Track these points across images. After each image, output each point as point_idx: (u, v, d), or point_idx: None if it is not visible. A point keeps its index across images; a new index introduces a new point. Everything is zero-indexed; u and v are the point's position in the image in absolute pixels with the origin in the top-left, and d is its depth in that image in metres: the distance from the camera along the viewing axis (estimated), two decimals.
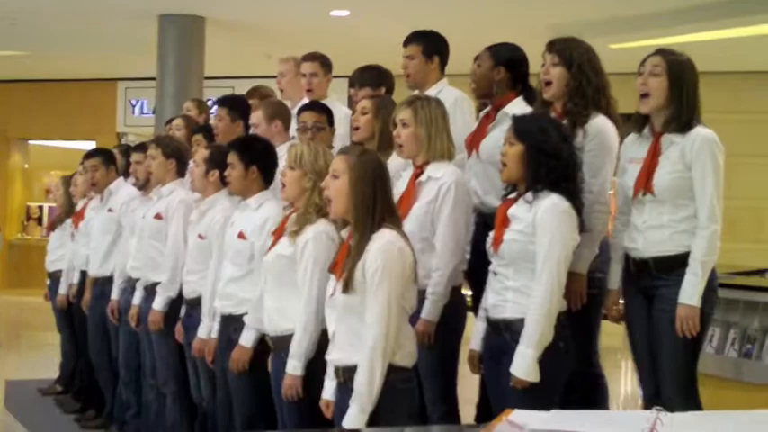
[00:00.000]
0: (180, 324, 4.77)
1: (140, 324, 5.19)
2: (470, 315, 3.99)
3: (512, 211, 3.36)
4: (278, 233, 3.79)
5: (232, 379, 4.10)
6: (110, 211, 5.97)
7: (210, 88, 10.83)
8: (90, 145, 14.26)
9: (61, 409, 6.65)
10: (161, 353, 4.97)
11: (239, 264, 4.13)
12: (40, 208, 15.29)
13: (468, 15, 9.06)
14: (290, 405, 3.58)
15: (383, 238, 3.11)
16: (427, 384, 3.72)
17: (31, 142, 15.66)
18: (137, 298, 5.25)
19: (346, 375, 3.16)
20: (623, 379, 8.03)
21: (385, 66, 5.06)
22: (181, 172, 5.17)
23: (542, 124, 3.42)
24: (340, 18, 9.76)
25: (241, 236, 4.11)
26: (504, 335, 3.34)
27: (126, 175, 6.13)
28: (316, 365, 3.46)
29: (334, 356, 3.25)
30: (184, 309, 4.75)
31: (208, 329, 4.41)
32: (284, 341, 3.64)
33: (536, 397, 3.13)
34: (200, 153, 4.72)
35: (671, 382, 3.52)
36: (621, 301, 3.79)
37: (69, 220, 6.90)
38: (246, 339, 3.99)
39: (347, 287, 3.12)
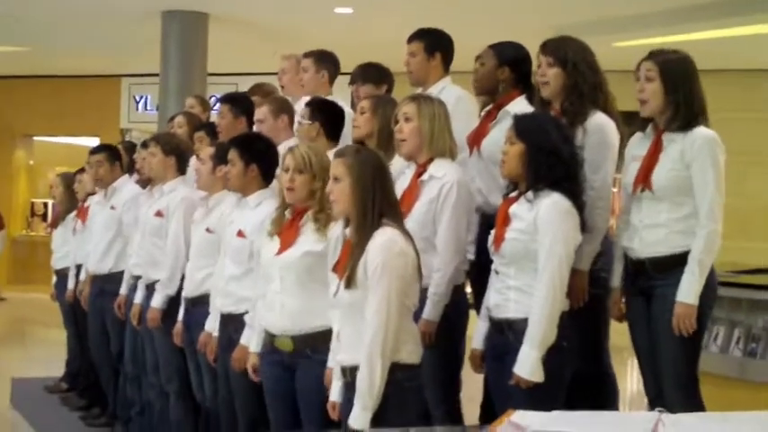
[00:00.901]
0: (180, 324, 4.75)
1: (141, 322, 5.19)
2: (472, 314, 3.98)
3: (513, 209, 3.35)
4: (290, 233, 3.69)
5: (234, 379, 4.09)
6: (112, 208, 5.95)
7: (214, 85, 10.84)
8: (94, 141, 14.30)
9: (67, 406, 6.66)
10: (164, 351, 4.97)
11: (239, 262, 4.12)
12: (45, 204, 15.31)
13: (472, 14, 9.05)
14: (317, 402, 3.52)
15: (384, 236, 3.09)
16: (429, 384, 3.71)
17: (35, 138, 15.69)
18: (138, 296, 5.25)
19: (354, 375, 3.14)
20: (629, 378, 8.01)
21: (388, 63, 5.05)
22: (181, 169, 5.16)
23: (543, 123, 3.42)
24: (344, 15, 9.76)
25: (240, 234, 4.11)
26: (506, 334, 3.33)
27: (131, 172, 6.13)
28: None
29: (341, 357, 3.24)
30: (183, 307, 4.73)
31: (215, 324, 4.39)
32: (312, 339, 3.59)
33: (540, 397, 3.13)
34: (206, 150, 4.71)
35: (672, 382, 3.52)
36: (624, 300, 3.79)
37: (71, 216, 6.91)
38: (247, 339, 3.98)
39: (350, 284, 3.11)
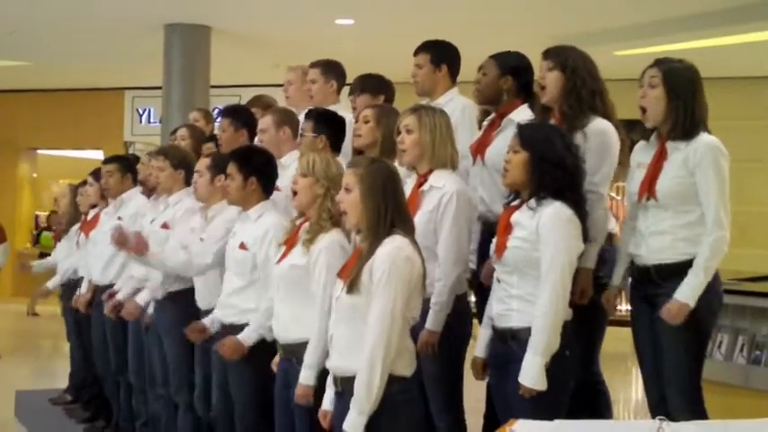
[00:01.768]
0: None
1: (149, 333, 5.20)
2: (475, 322, 3.98)
3: (515, 217, 3.36)
4: (290, 243, 3.77)
5: (233, 387, 4.12)
6: (119, 219, 5.92)
7: (217, 97, 10.87)
8: (98, 154, 14.38)
9: (71, 418, 6.66)
10: (174, 361, 4.97)
11: (241, 274, 4.14)
12: (49, 217, 15.33)
13: (474, 25, 9.07)
14: (300, 414, 3.58)
15: (392, 244, 3.10)
16: (432, 394, 3.71)
17: (39, 152, 15.74)
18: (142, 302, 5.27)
19: (345, 385, 3.15)
20: (633, 386, 8.01)
21: (389, 74, 5.06)
22: (189, 181, 5.18)
23: (547, 133, 3.43)
24: (345, 27, 9.79)
25: (242, 246, 4.12)
26: (510, 344, 3.33)
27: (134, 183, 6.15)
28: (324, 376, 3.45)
29: (334, 363, 3.24)
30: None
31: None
32: (296, 349, 3.65)
33: (543, 405, 3.13)
34: (202, 162, 4.73)
35: (674, 389, 3.51)
36: (625, 305, 3.79)
37: (74, 228, 6.92)
38: (247, 337, 4.01)
39: (352, 288, 3.12)
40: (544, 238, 3.25)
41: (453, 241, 3.69)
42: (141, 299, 5.04)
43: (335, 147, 4.39)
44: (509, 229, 3.35)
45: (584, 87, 3.72)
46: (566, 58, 3.76)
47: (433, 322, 3.68)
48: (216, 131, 5.90)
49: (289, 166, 4.43)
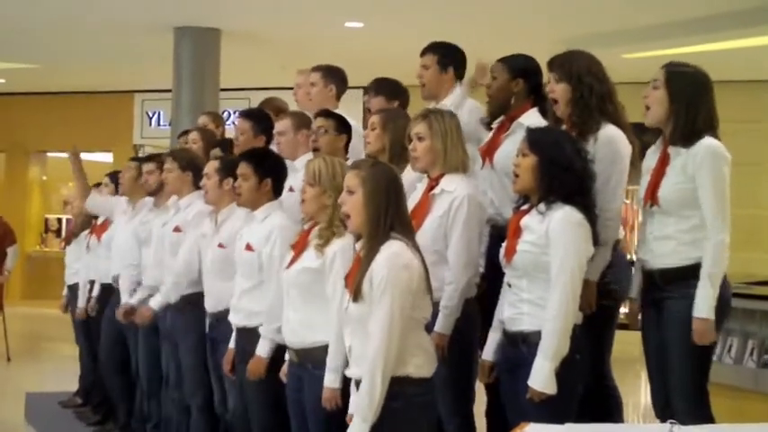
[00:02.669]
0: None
1: (162, 336, 5.21)
2: None
3: (524, 221, 3.36)
4: (299, 247, 3.78)
5: (248, 391, 4.12)
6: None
7: (226, 99, 10.89)
8: (107, 157, 14.42)
9: (81, 421, 6.68)
10: (189, 365, 4.97)
11: (249, 275, 4.15)
12: (59, 220, 15.38)
13: (483, 27, 9.07)
14: (322, 418, 3.57)
15: (390, 249, 3.12)
16: (442, 397, 3.71)
17: (49, 154, 15.78)
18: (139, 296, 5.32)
19: None
20: (642, 389, 7.98)
21: (399, 77, 5.07)
22: (197, 184, 5.18)
23: (556, 137, 3.44)
24: (354, 30, 9.79)
25: (248, 248, 4.14)
26: (520, 347, 3.34)
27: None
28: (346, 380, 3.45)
29: (353, 371, 3.26)
30: (208, 322, 4.75)
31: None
32: (311, 353, 3.65)
33: (553, 409, 3.15)
34: (211, 165, 4.75)
35: (678, 393, 3.51)
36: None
37: (85, 233, 6.94)
38: (262, 349, 4.01)
39: (356, 297, 3.14)
40: (554, 241, 3.25)
41: (464, 245, 3.70)
42: (155, 303, 5.04)
43: (347, 150, 4.43)
44: (518, 233, 3.36)
45: (592, 95, 3.71)
46: (570, 68, 3.75)
47: (443, 326, 3.68)
48: (227, 135, 5.92)
49: (301, 170, 4.45)
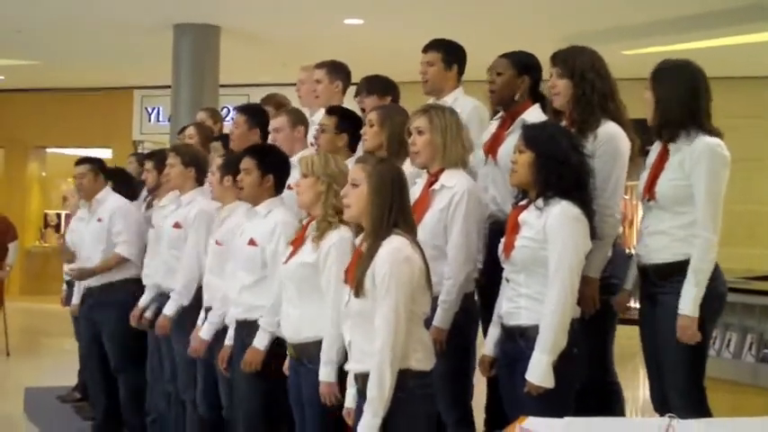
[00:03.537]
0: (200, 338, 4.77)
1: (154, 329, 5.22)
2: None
3: (522, 217, 3.38)
4: (297, 242, 3.80)
5: (238, 382, 4.14)
6: (99, 220, 5.89)
7: (226, 96, 10.88)
8: (107, 153, 14.42)
9: (80, 416, 6.68)
10: (182, 359, 4.99)
11: (251, 270, 4.15)
12: (58, 215, 15.39)
13: (483, 24, 9.07)
14: (317, 412, 3.58)
15: (391, 245, 3.13)
16: (440, 391, 3.72)
17: (48, 150, 15.78)
18: (153, 305, 5.28)
19: (365, 382, 3.16)
20: (641, 385, 8.00)
21: (398, 73, 5.08)
22: (200, 180, 5.19)
23: (552, 132, 3.45)
24: (354, 26, 9.79)
25: (251, 242, 4.14)
26: (518, 342, 3.35)
27: (143, 183, 6.16)
28: (340, 374, 3.47)
29: (352, 366, 3.28)
30: (203, 316, 4.76)
31: (212, 332, 4.51)
32: (307, 348, 3.67)
33: (550, 403, 3.15)
34: (217, 161, 4.77)
35: (673, 389, 3.53)
36: (634, 304, 3.80)
37: None
38: (260, 341, 4.02)
39: (358, 293, 3.15)
40: (552, 237, 3.27)
41: (463, 240, 3.71)
42: (169, 310, 5.01)
43: (353, 146, 4.42)
44: (517, 229, 3.38)
45: (594, 93, 3.72)
46: (573, 65, 3.76)
47: (442, 320, 3.69)
48: (225, 130, 5.92)
49: (298, 166, 4.46)
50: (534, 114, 4.02)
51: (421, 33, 4.88)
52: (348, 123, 4.47)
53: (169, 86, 10.41)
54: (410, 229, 3.24)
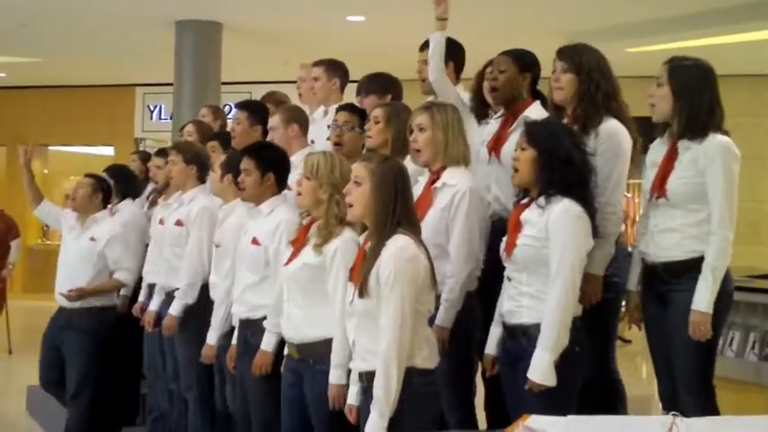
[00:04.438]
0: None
1: (158, 328, 5.21)
2: None
3: (524, 215, 3.37)
4: (298, 243, 3.78)
5: (249, 384, 4.11)
6: (92, 239, 5.63)
7: (228, 93, 10.87)
8: (109, 150, 14.42)
9: None
10: (184, 358, 4.98)
11: (255, 269, 4.14)
12: None
13: (484, 21, 9.05)
14: (324, 411, 3.55)
15: (396, 244, 3.13)
16: (443, 390, 3.71)
17: (50, 148, 15.77)
18: (154, 303, 5.27)
19: (370, 380, 3.16)
20: (644, 382, 7.99)
21: (400, 70, 5.06)
22: (202, 178, 5.19)
23: (554, 130, 3.44)
24: (356, 23, 9.78)
25: (255, 242, 4.13)
26: (520, 340, 3.35)
27: (147, 180, 6.14)
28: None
29: (357, 364, 3.27)
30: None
31: (217, 335, 4.51)
32: (313, 348, 3.64)
33: (552, 401, 3.16)
34: (218, 159, 4.77)
35: (685, 386, 3.52)
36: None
37: None
38: (267, 344, 4.00)
39: (363, 292, 3.14)
40: (553, 235, 3.26)
41: (465, 239, 3.69)
42: (174, 310, 5.00)
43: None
44: (519, 228, 3.37)
45: (599, 91, 3.71)
46: (580, 61, 3.75)
47: (444, 319, 3.69)
48: (227, 128, 5.92)
49: (298, 166, 4.43)
50: (536, 112, 4.01)
51: (423, 30, 4.86)
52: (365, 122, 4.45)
53: (171, 84, 10.39)
54: (414, 228, 3.24)
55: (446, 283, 3.67)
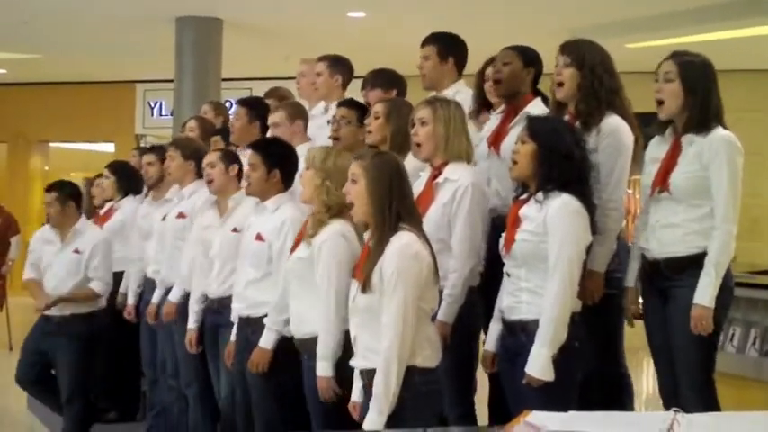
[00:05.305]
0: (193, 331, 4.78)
1: (160, 323, 5.22)
2: None
3: (523, 211, 3.37)
4: (299, 237, 3.81)
5: (252, 382, 4.11)
6: (76, 252, 5.53)
7: (228, 89, 10.87)
8: (109, 147, 14.42)
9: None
10: (184, 355, 4.98)
11: (257, 266, 4.14)
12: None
13: (485, 17, 9.05)
14: (320, 407, 3.58)
15: (400, 241, 3.12)
16: (443, 386, 3.72)
17: (51, 144, 15.78)
18: (156, 296, 5.28)
19: (371, 378, 3.16)
20: (645, 378, 8.00)
21: (401, 67, 5.06)
22: (200, 173, 5.19)
23: (556, 125, 3.45)
24: (356, 19, 9.78)
25: (259, 238, 4.12)
26: (519, 336, 3.35)
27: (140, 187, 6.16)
28: (344, 368, 3.45)
29: (358, 362, 3.28)
30: (209, 308, 4.74)
31: (194, 320, 4.66)
32: (307, 344, 3.67)
33: (552, 396, 3.15)
34: (213, 155, 4.76)
35: (686, 383, 3.52)
36: (640, 300, 3.79)
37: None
38: (266, 341, 4.00)
39: (366, 288, 3.14)
40: (552, 230, 3.26)
41: (467, 234, 3.69)
42: (173, 296, 5.01)
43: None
44: (517, 223, 3.37)
45: (602, 87, 3.70)
46: (583, 56, 3.73)
47: (446, 314, 3.68)
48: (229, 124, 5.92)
49: (301, 159, 4.45)
50: (538, 107, 4.01)
51: (423, 26, 4.87)
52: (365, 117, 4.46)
53: (171, 80, 10.39)
54: (416, 223, 3.23)
55: (448, 278, 3.67)
